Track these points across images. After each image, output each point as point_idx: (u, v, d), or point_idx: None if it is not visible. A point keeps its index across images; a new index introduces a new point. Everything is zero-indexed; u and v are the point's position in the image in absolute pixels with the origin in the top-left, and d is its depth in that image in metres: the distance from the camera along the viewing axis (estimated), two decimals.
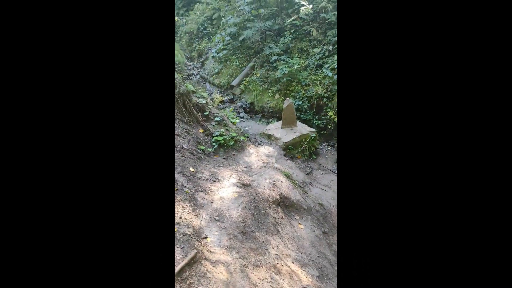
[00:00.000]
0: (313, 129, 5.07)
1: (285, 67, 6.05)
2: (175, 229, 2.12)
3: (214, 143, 4.17)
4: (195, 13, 9.49)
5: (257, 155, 4.42)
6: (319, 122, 5.63)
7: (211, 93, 6.99)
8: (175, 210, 2.43)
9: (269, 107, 6.37)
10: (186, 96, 4.29)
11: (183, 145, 3.67)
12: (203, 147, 3.96)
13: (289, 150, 4.76)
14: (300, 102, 5.80)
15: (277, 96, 6.34)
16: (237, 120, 4.95)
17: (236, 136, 4.42)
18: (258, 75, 6.68)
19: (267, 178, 3.60)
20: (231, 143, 4.32)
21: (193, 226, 2.29)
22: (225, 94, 7.02)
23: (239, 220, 2.63)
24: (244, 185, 3.33)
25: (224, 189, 3.16)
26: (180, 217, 2.33)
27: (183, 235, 2.09)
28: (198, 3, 9.30)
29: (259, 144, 4.92)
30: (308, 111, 5.82)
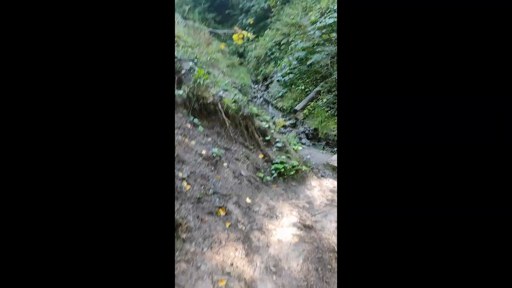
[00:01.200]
0: None
1: None
2: (224, 282, 1.72)
3: (273, 171, 3.76)
4: (264, 39, 9.66)
5: (320, 189, 3.84)
6: None
7: (273, 116, 6.74)
8: (228, 251, 2.05)
9: (334, 135, 5.75)
10: (249, 119, 4.05)
11: (241, 171, 3.36)
12: (261, 175, 3.59)
13: None
14: None
15: None
16: (300, 148, 4.50)
17: (297, 166, 3.94)
18: (325, 100, 6.19)
19: (333, 220, 2.99)
20: (292, 173, 3.86)
21: (245, 279, 1.86)
22: (288, 118, 6.68)
23: (299, 275, 2.10)
24: (306, 227, 2.79)
25: (283, 229, 2.68)
26: (231, 264, 1.94)
27: None
28: (268, 29, 9.47)
29: (322, 176, 4.33)
30: None
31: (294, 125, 6.38)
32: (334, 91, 6.14)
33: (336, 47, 6.45)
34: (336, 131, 5.78)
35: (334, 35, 6.84)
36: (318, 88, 6.50)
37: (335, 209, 3.33)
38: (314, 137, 6.06)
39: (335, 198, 3.68)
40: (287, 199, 3.37)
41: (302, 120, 6.45)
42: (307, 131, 6.09)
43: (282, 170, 3.79)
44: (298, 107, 6.53)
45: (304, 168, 3.97)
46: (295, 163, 3.95)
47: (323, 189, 3.87)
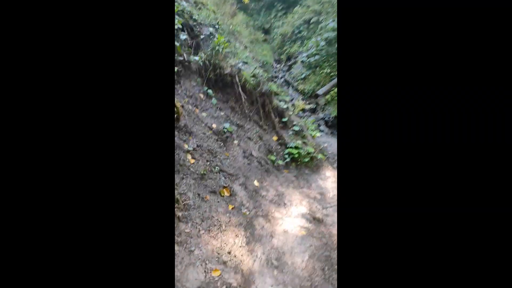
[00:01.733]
0: None
1: None
2: (219, 273, 1.50)
3: (286, 156, 3.48)
4: (292, 16, 9.01)
5: (334, 180, 3.54)
6: None
7: (292, 98, 6.35)
8: (227, 237, 1.82)
9: None
10: (267, 96, 3.72)
11: (252, 152, 3.09)
12: (273, 158, 3.32)
13: None
14: None
15: None
16: (318, 134, 4.15)
17: (313, 153, 3.63)
18: None
19: None
20: (306, 160, 3.56)
21: (242, 271, 1.64)
22: (308, 103, 6.27)
23: (303, 273, 1.86)
24: (316, 220, 2.53)
25: (290, 219, 2.43)
26: (229, 252, 1.71)
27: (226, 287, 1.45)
28: (298, 6, 8.79)
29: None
30: None
31: (314, 110, 5.98)
32: None
33: None
34: None
35: None
36: None
37: None
38: (333, 125, 5.66)
39: None
40: (297, 187, 3.11)
41: (323, 106, 6.03)
42: (327, 118, 5.69)
43: (296, 155, 3.49)
44: (320, 92, 6.09)
45: (319, 156, 3.65)
46: (311, 149, 3.64)
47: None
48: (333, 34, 6.32)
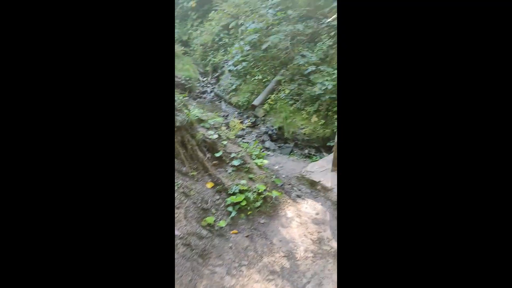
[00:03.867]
0: None
1: (326, 80, 4.26)
2: None
3: (230, 209, 2.40)
4: (210, 24, 8.01)
5: (299, 221, 2.60)
6: None
7: (227, 115, 5.30)
8: None
9: (304, 134, 4.57)
10: (186, 130, 2.58)
11: (175, 231, 1.91)
12: (211, 220, 2.20)
13: None
14: None
15: (314, 118, 4.54)
16: (265, 161, 3.19)
17: (265, 191, 2.63)
18: (287, 91, 4.94)
19: None
20: (258, 204, 2.54)
21: None
22: (245, 116, 5.31)
23: None
24: None
25: None
26: None
27: None
28: (214, 11, 7.82)
29: (298, 196, 3.09)
30: None
31: (253, 124, 5.05)
32: (297, 79, 4.91)
33: (294, 26, 5.19)
34: (304, 128, 4.60)
35: (291, 12, 5.57)
36: (278, 77, 5.21)
37: (329, 262, 2.10)
38: (279, 138, 4.82)
39: (324, 234, 2.46)
40: (254, 258, 2.05)
41: (262, 118, 5.14)
42: (270, 131, 4.81)
43: (244, 203, 2.44)
44: (256, 102, 5.19)
45: (275, 194, 2.67)
46: (262, 187, 2.63)
47: (303, 221, 2.63)
48: (256, 36, 5.50)
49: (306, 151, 4.45)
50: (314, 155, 4.27)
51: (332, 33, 4.87)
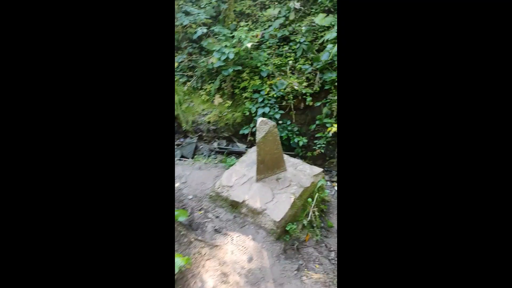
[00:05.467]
0: (317, 168, 2.42)
1: (225, 46, 3.07)
2: None
3: None
4: None
5: (226, 287, 1.58)
6: (306, 143, 3.02)
7: None
8: None
9: (209, 122, 3.39)
10: None
11: None
12: None
13: (287, 235, 2.03)
14: (267, 110, 3.02)
15: (218, 100, 3.38)
16: None
17: None
18: (176, 65, 3.50)
19: None
20: None
21: None
22: None
23: None
24: None
25: None
26: None
27: None
28: None
29: (216, 231, 2.03)
30: (283, 124, 3.11)
31: None
32: (185, 47, 3.49)
33: None
34: (207, 115, 3.41)
35: None
36: None
37: None
38: (175, 132, 3.48)
39: None
40: None
41: None
42: None
43: None
44: None
45: (178, 263, 1.49)
46: None
47: (233, 283, 1.61)
48: None
49: (215, 144, 3.34)
50: (225, 148, 3.21)
51: None
